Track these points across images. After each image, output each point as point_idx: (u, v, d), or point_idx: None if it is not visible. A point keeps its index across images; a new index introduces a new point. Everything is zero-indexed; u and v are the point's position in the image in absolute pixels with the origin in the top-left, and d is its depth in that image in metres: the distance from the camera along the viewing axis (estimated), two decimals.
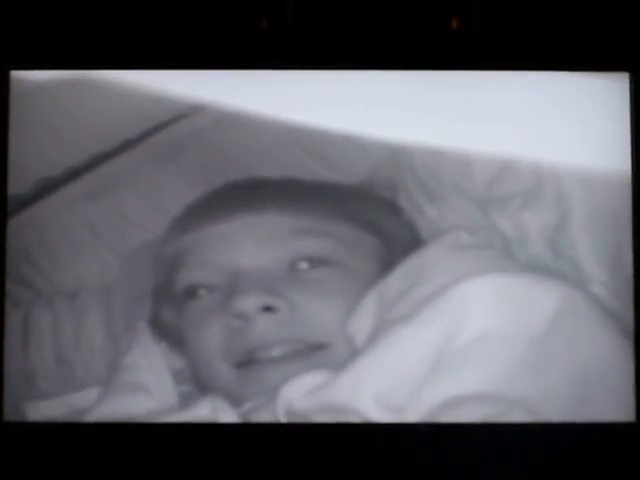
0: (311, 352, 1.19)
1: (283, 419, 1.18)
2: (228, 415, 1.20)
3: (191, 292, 1.22)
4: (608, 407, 1.18)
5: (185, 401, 1.22)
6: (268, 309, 1.19)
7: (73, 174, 1.26)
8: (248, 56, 1.26)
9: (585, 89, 1.26)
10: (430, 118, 1.25)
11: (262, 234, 1.22)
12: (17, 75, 1.26)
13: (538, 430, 1.19)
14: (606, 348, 1.18)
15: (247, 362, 1.19)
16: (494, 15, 1.30)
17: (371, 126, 1.25)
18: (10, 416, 1.23)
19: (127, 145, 1.25)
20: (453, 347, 1.15)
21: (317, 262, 1.21)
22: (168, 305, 1.25)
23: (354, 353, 1.18)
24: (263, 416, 1.19)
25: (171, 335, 1.25)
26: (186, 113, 1.25)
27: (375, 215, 1.26)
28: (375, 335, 1.18)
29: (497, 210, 1.23)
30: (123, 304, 1.26)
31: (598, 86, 1.25)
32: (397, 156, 1.26)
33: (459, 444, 1.21)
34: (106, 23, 1.28)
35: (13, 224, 1.25)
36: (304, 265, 1.21)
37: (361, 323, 1.20)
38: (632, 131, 1.26)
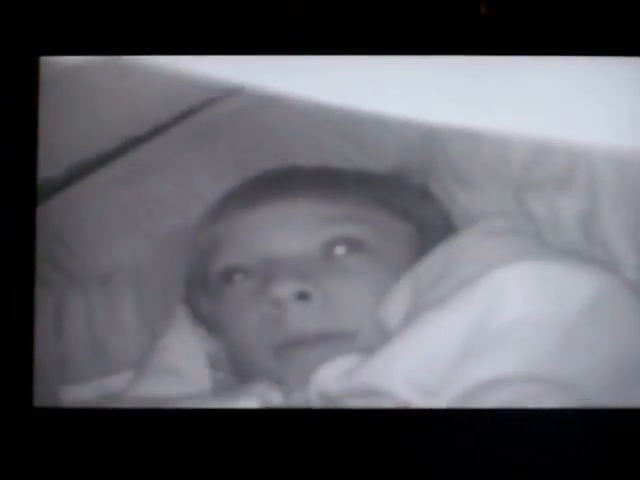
0: (345, 340, 1.19)
1: (316, 402, 1.18)
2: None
3: (227, 276, 1.22)
4: None
5: (219, 388, 1.22)
6: (302, 296, 1.19)
7: (106, 158, 1.25)
8: (279, 41, 1.26)
9: (617, 72, 1.25)
10: (463, 103, 1.25)
11: (297, 221, 1.22)
12: (47, 60, 1.26)
13: (576, 415, 1.19)
14: None
15: (283, 349, 1.19)
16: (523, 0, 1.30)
17: (404, 111, 1.25)
18: (43, 401, 1.23)
19: (160, 129, 1.25)
20: (489, 331, 1.16)
21: (353, 246, 1.21)
22: (203, 292, 1.25)
23: (387, 337, 1.18)
24: (297, 400, 1.19)
25: (208, 321, 1.25)
26: (219, 97, 1.25)
27: (409, 202, 1.26)
28: (408, 320, 1.18)
29: (530, 195, 1.23)
30: (156, 288, 1.26)
31: (630, 70, 1.25)
32: (430, 141, 1.25)
33: (495, 429, 1.21)
34: (137, 8, 1.27)
35: (46, 208, 1.25)
36: (340, 250, 1.21)
37: (395, 308, 1.20)
38: None
